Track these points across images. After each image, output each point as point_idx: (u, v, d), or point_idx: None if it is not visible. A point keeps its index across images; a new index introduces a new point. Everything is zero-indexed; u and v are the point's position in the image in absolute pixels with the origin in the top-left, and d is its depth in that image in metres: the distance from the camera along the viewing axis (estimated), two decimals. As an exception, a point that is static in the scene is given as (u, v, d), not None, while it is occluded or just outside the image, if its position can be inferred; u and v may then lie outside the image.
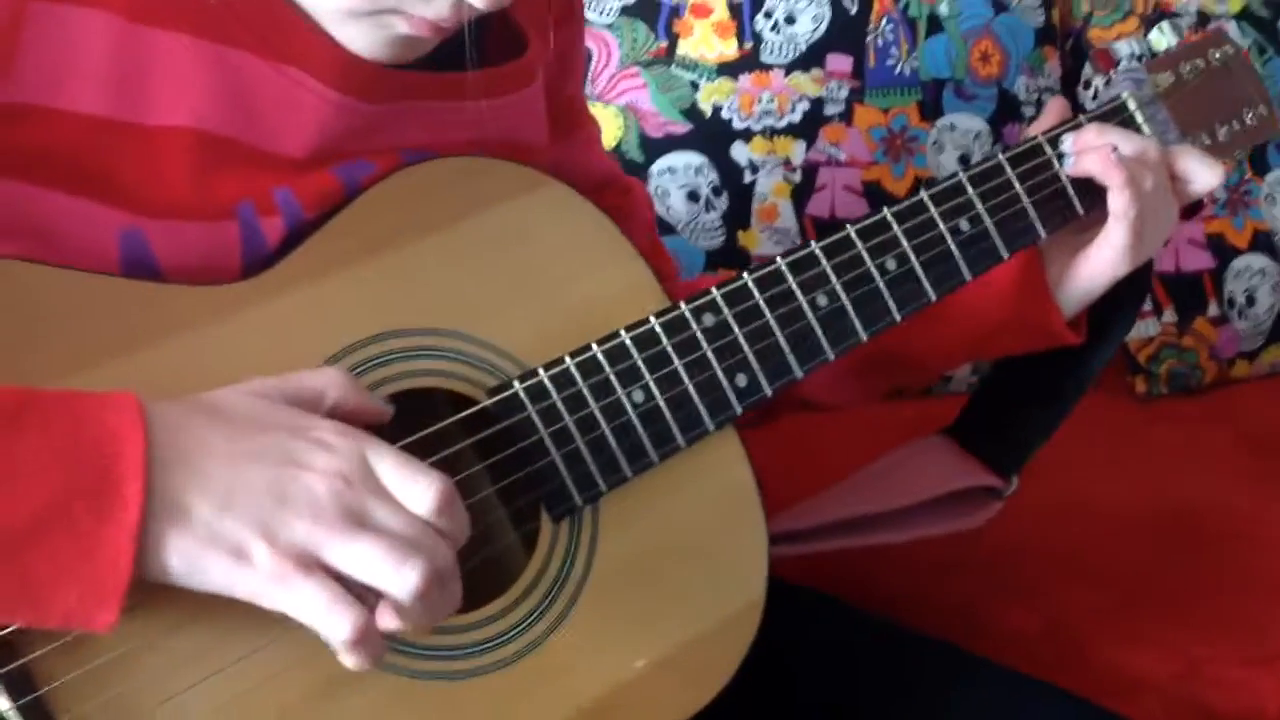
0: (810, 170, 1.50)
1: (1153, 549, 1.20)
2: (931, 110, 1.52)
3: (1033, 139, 0.88)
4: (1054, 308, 0.91)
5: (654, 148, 1.45)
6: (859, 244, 0.82)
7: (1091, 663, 1.05)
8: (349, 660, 0.62)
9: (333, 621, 0.60)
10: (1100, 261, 0.88)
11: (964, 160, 1.53)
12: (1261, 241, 1.58)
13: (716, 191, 1.49)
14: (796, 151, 1.50)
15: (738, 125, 1.50)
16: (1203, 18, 1.60)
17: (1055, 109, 0.91)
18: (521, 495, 0.75)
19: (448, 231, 0.76)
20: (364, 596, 0.62)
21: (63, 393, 0.61)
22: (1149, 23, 1.60)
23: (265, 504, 0.61)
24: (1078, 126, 0.88)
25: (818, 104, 1.51)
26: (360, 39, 0.73)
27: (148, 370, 0.67)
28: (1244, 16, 1.61)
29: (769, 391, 0.79)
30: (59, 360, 0.66)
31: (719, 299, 0.78)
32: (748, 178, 1.50)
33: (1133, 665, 1.05)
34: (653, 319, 0.77)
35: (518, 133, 0.84)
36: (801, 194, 1.49)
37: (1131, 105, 0.91)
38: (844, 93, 1.51)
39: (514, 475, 0.74)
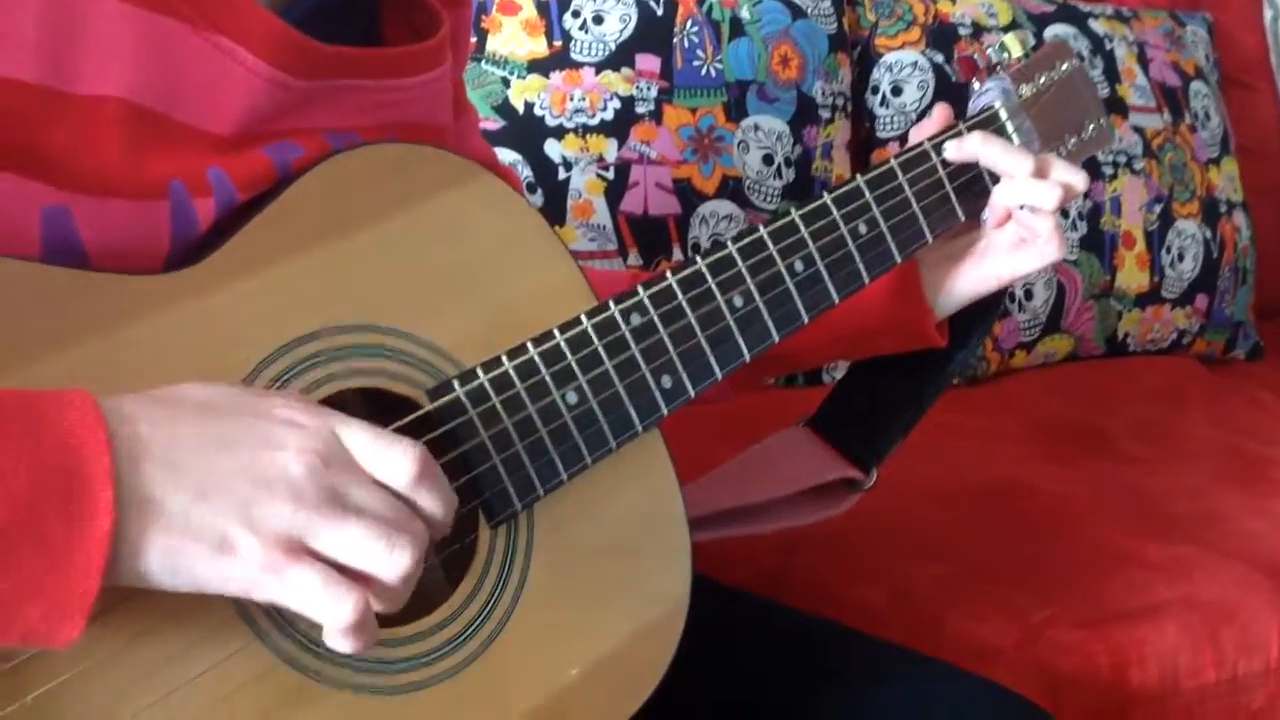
0: (623, 168, 1.51)
1: (977, 522, 1.23)
2: (736, 111, 1.56)
3: (919, 145, 0.90)
4: (928, 311, 0.93)
5: (470, 144, 1.43)
6: (770, 245, 0.83)
7: (945, 633, 1.07)
8: (346, 646, 0.59)
9: (333, 608, 0.58)
10: (991, 268, 0.91)
11: (768, 160, 1.57)
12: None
13: (531, 188, 1.48)
14: (609, 149, 1.51)
15: (550, 122, 1.50)
16: (977, 28, 1.70)
17: (940, 115, 0.92)
18: (464, 502, 0.73)
19: (384, 223, 0.73)
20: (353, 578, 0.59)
21: (14, 390, 0.56)
22: (930, 33, 1.68)
23: (243, 490, 0.57)
24: (959, 134, 0.90)
25: (628, 102, 1.52)
26: None
27: (77, 368, 0.62)
28: (1011, 28, 1.72)
29: (692, 393, 0.80)
30: None
31: (646, 300, 0.78)
32: (562, 174, 1.49)
33: (980, 633, 1.07)
34: (584, 318, 0.76)
35: (432, 114, 0.82)
36: (615, 191, 1.50)
37: (1003, 115, 0.93)
38: (653, 92, 1.53)
39: (456, 482, 0.72)
